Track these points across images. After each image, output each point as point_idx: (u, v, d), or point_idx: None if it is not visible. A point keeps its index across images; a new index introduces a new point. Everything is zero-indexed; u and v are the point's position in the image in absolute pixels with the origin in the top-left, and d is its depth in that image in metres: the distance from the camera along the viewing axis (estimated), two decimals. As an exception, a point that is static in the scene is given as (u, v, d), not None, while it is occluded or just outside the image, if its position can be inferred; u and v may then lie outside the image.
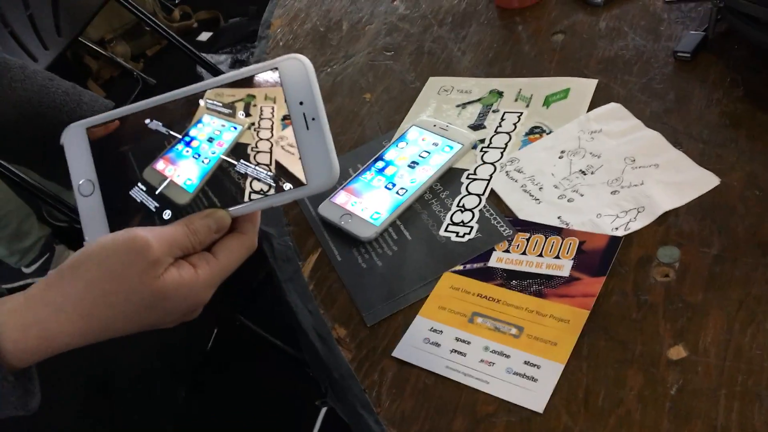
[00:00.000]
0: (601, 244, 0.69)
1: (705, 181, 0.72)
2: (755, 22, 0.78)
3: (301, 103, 0.54)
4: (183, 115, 0.59)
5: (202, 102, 0.59)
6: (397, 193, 0.80)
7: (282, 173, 0.55)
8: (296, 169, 0.54)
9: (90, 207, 0.57)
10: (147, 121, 0.59)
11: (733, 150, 0.74)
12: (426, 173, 0.81)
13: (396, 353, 0.67)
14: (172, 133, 0.59)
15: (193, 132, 0.59)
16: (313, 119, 0.53)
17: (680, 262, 0.66)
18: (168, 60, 2.75)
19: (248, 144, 0.57)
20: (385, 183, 0.81)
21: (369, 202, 0.80)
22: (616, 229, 0.70)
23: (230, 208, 0.55)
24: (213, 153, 0.58)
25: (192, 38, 2.76)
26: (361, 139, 0.91)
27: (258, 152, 0.56)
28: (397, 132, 0.89)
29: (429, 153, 0.83)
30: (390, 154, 0.85)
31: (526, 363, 0.63)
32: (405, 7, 1.10)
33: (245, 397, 1.67)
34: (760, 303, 0.61)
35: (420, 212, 0.79)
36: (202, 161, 0.58)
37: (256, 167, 0.56)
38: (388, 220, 0.78)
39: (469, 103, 0.90)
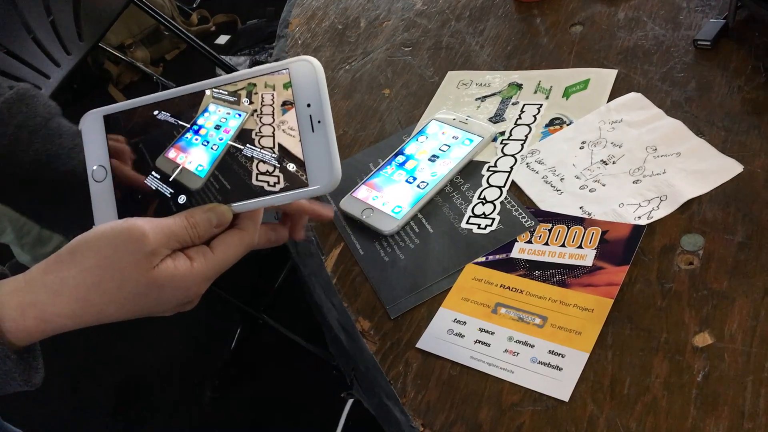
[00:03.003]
0: (624, 233, 0.69)
1: (728, 168, 0.72)
2: (776, 8, 0.77)
3: (308, 105, 0.55)
4: (190, 105, 0.61)
5: (207, 92, 0.60)
6: (418, 186, 0.80)
7: (285, 174, 0.55)
8: (299, 169, 0.55)
9: (101, 192, 0.58)
10: (156, 112, 0.60)
11: (756, 137, 0.74)
12: (446, 166, 0.81)
13: (420, 345, 0.67)
14: (180, 122, 0.60)
15: (200, 120, 0.61)
16: (319, 122, 0.54)
17: (704, 249, 0.66)
18: (187, 64, 2.77)
19: (252, 129, 0.58)
20: (406, 177, 0.82)
21: (390, 196, 0.80)
22: (639, 218, 0.70)
23: (232, 204, 0.55)
24: (221, 139, 0.59)
25: (210, 41, 2.77)
26: (381, 134, 0.91)
27: (262, 136, 0.58)
28: (416, 126, 0.89)
29: (449, 146, 0.84)
30: (410, 148, 0.85)
31: (550, 352, 0.63)
32: (422, 3, 1.10)
33: (270, 394, 1.68)
34: (786, 289, 0.61)
35: (441, 205, 0.79)
36: (211, 147, 0.60)
37: (262, 150, 0.57)
38: (409, 213, 0.78)
39: (488, 96, 0.90)
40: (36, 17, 1.70)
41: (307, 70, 0.55)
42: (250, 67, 2.60)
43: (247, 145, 0.58)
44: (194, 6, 2.96)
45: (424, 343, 0.68)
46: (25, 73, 1.59)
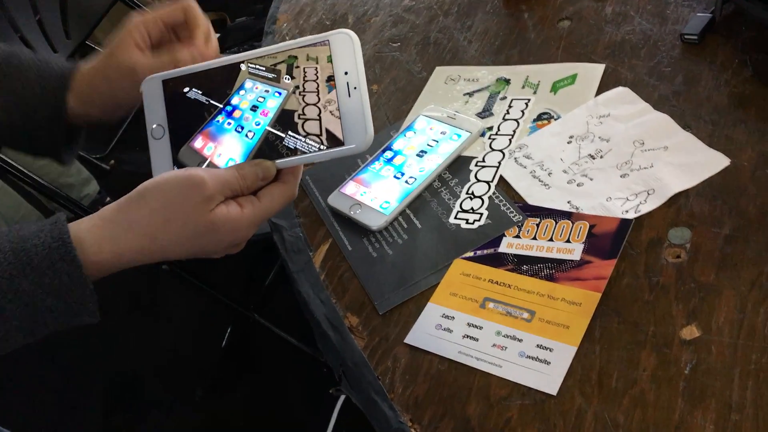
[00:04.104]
0: (612, 227, 0.69)
1: (715, 161, 0.72)
2: (763, 2, 0.77)
3: (345, 73, 0.58)
4: (223, 82, 0.61)
5: (243, 66, 0.60)
6: (406, 182, 0.80)
7: (324, 134, 0.58)
8: (337, 130, 0.58)
9: (159, 148, 0.62)
10: (186, 89, 0.62)
11: (742, 130, 0.74)
12: (435, 162, 0.81)
13: (408, 340, 0.67)
14: (212, 102, 0.61)
15: (234, 100, 0.61)
16: (355, 88, 0.57)
17: (691, 243, 0.66)
18: (176, 62, 2.76)
19: (294, 110, 0.59)
20: (394, 173, 0.82)
21: (378, 192, 0.80)
22: (627, 212, 0.70)
23: (276, 161, 0.59)
24: (257, 124, 0.60)
25: (199, 39, 2.76)
26: (370, 130, 0.91)
27: (306, 119, 0.59)
28: (405, 122, 0.89)
29: (437, 142, 0.83)
30: (398, 143, 0.85)
31: (538, 346, 0.63)
32: (410, -1, 1.10)
33: (262, 392, 1.68)
34: (773, 281, 0.61)
35: (429, 201, 0.79)
36: (246, 135, 0.60)
37: (306, 140, 0.58)
38: (397, 209, 0.78)
39: (476, 91, 0.90)
40: (23, 16, 1.70)
41: (344, 41, 0.58)
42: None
43: (289, 132, 0.59)
44: (183, 4, 2.94)
45: (413, 338, 0.67)
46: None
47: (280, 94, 0.59)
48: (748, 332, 0.59)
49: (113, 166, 2.36)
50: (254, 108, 0.60)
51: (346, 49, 0.58)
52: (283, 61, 0.59)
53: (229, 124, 0.60)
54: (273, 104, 0.59)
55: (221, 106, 0.61)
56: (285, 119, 0.59)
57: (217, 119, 0.61)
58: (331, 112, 0.58)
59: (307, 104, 0.58)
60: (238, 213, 0.57)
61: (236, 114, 0.60)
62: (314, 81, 0.58)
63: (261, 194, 0.59)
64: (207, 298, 1.64)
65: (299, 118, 0.58)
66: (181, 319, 1.92)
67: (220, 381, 1.75)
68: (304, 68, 0.59)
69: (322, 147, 0.58)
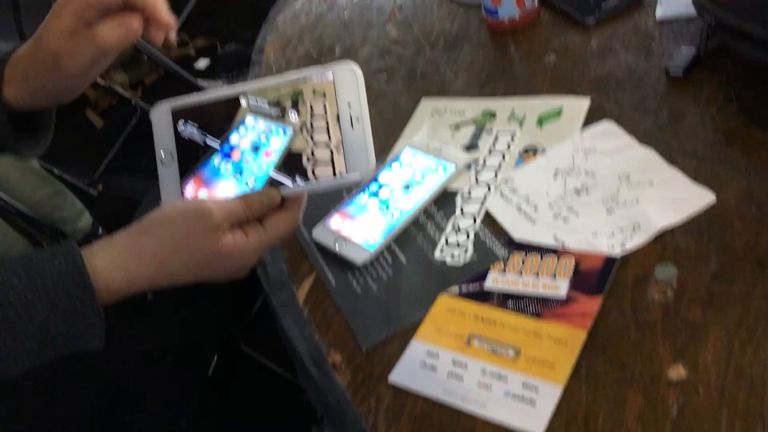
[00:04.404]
0: (598, 263, 0.69)
1: (700, 197, 0.71)
2: (748, 39, 0.77)
3: (349, 105, 0.59)
4: (221, 117, 0.62)
5: (243, 101, 0.60)
6: (392, 215, 0.79)
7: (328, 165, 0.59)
8: (339, 161, 0.59)
9: (168, 175, 0.63)
10: (180, 124, 0.62)
11: (728, 166, 0.74)
12: (420, 195, 0.81)
13: (392, 378, 0.66)
14: (208, 141, 0.62)
15: (233, 138, 0.61)
16: (358, 119, 0.59)
17: (678, 280, 0.66)
18: (166, 88, 2.76)
19: (302, 151, 0.59)
20: (380, 206, 0.81)
21: (363, 226, 0.79)
22: (612, 247, 0.69)
23: (281, 188, 0.60)
24: (259, 169, 0.60)
25: (190, 65, 2.76)
26: (355, 162, 0.90)
27: (316, 163, 0.59)
28: (390, 154, 0.89)
29: (423, 174, 0.83)
30: (384, 176, 0.85)
31: (524, 386, 0.62)
32: (397, 31, 1.10)
33: (247, 423, 1.66)
34: (759, 320, 0.61)
35: (415, 235, 0.78)
36: (246, 183, 0.60)
37: (318, 182, 0.58)
38: (382, 243, 0.77)
39: (462, 124, 0.90)
40: (8, 39, 1.69)
41: (348, 73, 0.59)
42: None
43: (297, 177, 0.59)
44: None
45: (397, 376, 0.66)
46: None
47: (284, 132, 0.60)
48: (735, 372, 0.58)
49: (100, 192, 2.35)
50: (256, 149, 0.60)
51: (349, 81, 0.59)
52: (286, 95, 0.60)
53: (227, 168, 0.61)
54: (277, 144, 0.59)
55: (227, 139, 0.62)
56: (292, 163, 0.59)
57: (219, 159, 0.61)
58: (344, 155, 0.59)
59: (317, 144, 0.59)
60: (243, 241, 0.59)
61: (234, 155, 0.61)
62: (323, 117, 0.59)
63: (266, 222, 0.61)
64: (194, 326, 1.62)
65: (308, 160, 0.59)
66: (166, 347, 1.89)
67: (205, 411, 1.72)
68: (310, 103, 0.59)
69: (326, 177, 0.59)
